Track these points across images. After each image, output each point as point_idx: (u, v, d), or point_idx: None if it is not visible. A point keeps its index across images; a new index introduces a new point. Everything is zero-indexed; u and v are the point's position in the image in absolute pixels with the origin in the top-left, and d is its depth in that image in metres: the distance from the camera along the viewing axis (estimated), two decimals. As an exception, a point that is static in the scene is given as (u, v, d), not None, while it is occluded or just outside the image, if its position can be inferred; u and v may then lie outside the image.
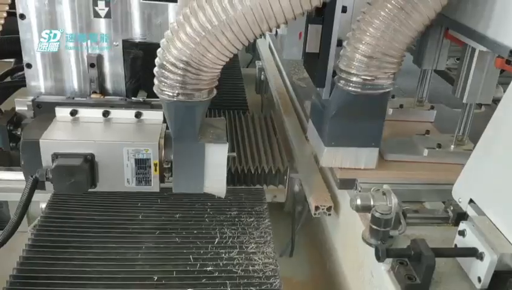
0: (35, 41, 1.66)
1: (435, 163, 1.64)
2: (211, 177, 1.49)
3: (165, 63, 1.30)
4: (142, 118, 1.55)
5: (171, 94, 1.34)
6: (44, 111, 1.63)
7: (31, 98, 1.68)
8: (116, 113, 1.55)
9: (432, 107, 2.00)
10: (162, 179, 1.50)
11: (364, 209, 1.38)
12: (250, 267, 1.47)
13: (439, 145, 1.65)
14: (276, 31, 1.94)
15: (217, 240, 1.58)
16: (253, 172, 1.92)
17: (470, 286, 1.18)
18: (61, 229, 1.61)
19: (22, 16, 1.63)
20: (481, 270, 1.14)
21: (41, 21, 1.64)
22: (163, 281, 1.41)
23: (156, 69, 1.34)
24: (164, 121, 1.51)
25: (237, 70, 3.22)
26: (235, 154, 1.56)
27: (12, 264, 1.44)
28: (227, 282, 1.41)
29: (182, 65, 1.29)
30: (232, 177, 1.92)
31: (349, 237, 1.55)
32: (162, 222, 1.67)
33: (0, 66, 2.23)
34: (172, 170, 1.47)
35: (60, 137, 1.45)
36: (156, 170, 1.45)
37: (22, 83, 1.91)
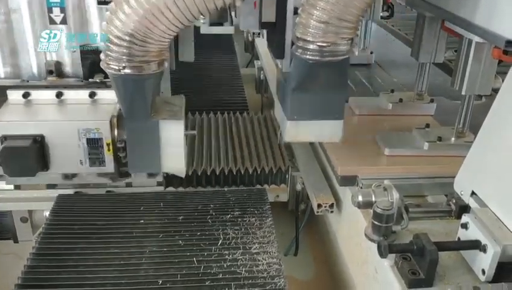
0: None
1: (436, 156, 1.63)
2: (169, 156, 1.47)
3: (110, 36, 1.29)
4: (96, 98, 1.55)
5: (117, 67, 1.32)
6: None
7: None
8: (69, 94, 1.55)
9: (432, 100, 1.99)
10: (117, 160, 1.49)
11: (365, 205, 1.37)
12: (255, 268, 1.46)
13: (439, 138, 1.64)
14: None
15: (220, 241, 1.58)
16: (259, 172, 1.94)
17: (474, 279, 1.18)
18: (64, 236, 1.60)
19: None
20: (485, 262, 1.14)
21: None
22: (168, 285, 1.40)
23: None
24: None
25: (236, 71, 3.22)
26: (195, 132, 1.55)
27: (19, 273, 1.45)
28: (232, 283, 1.40)
29: (127, 37, 1.27)
30: (234, 178, 1.93)
31: (352, 233, 1.55)
32: (165, 224, 1.67)
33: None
34: (127, 149, 1.45)
35: (8, 118, 1.44)
36: (109, 149, 1.45)
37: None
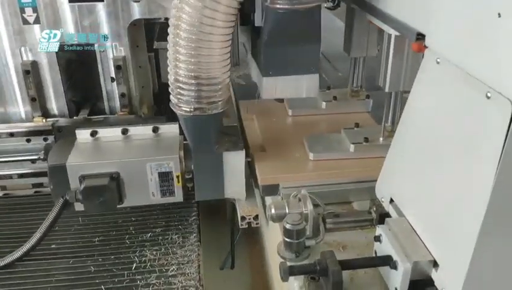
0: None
1: (363, 158, 1.52)
2: (231, 182, 1.56)
3: (177, 83, 1.35)
4: (159, 132, 1.61)
5: (188, 109, 1.39)
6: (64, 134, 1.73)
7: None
8: (134, 130, 1.60)
9: (368, 96, 1.88)
10: (185, 189, 1.56)
11: (279, 218, 1.27)
12: (168, 293, 1.36)
13: (366, 139, 1.53)
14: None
15: (134, 265, 1.46)
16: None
17: (389, 297, 1.07)
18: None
19: None
20: (397, 280, 1.04)
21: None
22: (70, 317, 1.29)
23: (170, 88, 1.40)
24: (180, 132, 1.57)
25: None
26: (249, 159, 1.60)
27: None
28: (139, 312, 1.29)
29: (193, 80, 1.33)
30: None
31: (275, 248, 1.44)
32: (79, 247, 1.55)
33: None
34: (194, 180, 1.53)
35: (85, 159, 1.49)
36: (178, 181, 1.52)
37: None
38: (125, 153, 1.53)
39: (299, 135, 1.70)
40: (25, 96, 1.77)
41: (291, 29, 1.40)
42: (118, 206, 1.50)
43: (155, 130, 1.60)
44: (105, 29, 1.71)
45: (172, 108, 1.43)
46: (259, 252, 1.89)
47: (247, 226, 1.53)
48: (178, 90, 1.37)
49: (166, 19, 1.47)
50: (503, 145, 0.81)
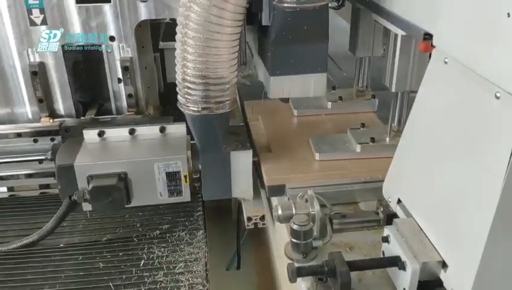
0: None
1: (370, 159, 1.51)
2: (238, 182, 1.56)
3: (186, 83, 1.35)
4: (166, 132, 1.61)
5: (196, 109, 1.39)
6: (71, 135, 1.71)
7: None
8: (141, 130, 1.60)
9: (373, 96, 1.87)
10: (192, 189, 1.56)
11: (286, 219, 1.26)
12: (176, 290, 1.36)
13: (372, 140, 1.53)
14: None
15: (142, 262, 1.47)
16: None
17: (397, 299, 1.07)
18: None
19: None
20: (405, 280, 1.03)
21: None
22: (78, 314, 1.30)
23: (178, 87, 1.39)
24: (187, 132, 1.57)
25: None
26: (256, 158, 1.58)
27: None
28: (147, 310, 1.30)
29: (200, 80, 1.32)
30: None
31: (281, 248, 1.43)
32: (87, 244, 1.58)
33: None
34: (201, 179, 1.54)
35: (93, 159, 1.49)
36: (186, 181, 1.52)
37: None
38: (133, 153, 1.53)
39: (304, 135, 1.69)
40: (31, 97, 1.77)
41: (299, 28, 1.38)
42: (126, 206, 1.50)
43: (162, 130, 1.60)
44: (112, 30, 1.71)
45: (180, 108, 1.42)
46: (265, 252, 1.89)
47: (253, 226, 1.53)
48: (186, 89, 1.36)
49: (172, 20, 1.48)
50: (513, 146, 0.80)
